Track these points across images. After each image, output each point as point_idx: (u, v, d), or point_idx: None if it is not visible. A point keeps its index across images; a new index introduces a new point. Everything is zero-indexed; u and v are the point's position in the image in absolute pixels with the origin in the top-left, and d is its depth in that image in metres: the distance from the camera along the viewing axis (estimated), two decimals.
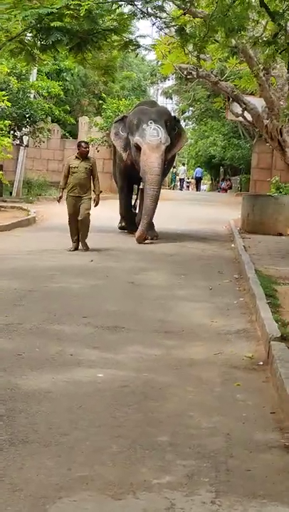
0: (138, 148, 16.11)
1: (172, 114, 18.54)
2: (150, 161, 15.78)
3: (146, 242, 15.60)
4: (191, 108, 47.43)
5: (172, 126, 17.05)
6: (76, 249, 13.67)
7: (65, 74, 36.83)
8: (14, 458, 4.37)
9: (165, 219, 19.77)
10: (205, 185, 73.50)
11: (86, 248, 13.72)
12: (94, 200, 13.89)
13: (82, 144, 14.42)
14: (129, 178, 17.55)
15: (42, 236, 15.92)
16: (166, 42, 21.99)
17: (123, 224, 18.14)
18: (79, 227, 13.75)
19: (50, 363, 6.38)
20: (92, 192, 13.92)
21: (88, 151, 14.33)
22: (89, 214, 13.75)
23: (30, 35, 15.64)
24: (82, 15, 14.56)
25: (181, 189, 58.05)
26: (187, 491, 4.07)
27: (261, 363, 6.68)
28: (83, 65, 16.80)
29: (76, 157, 14.10)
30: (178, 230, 18.51)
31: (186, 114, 49.76)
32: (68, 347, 6.93)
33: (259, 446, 4.76)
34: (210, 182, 75.03)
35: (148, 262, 12.74)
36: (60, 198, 14.23)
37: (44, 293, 9.45)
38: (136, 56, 19.41)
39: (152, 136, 15.92)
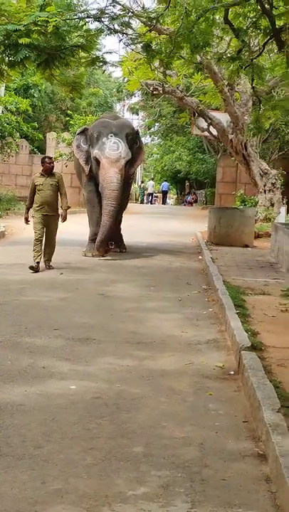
0: (98, 161, 15.11)
1: (134, 128, 17.05)
2: (108, 176, 14.71)
3: (106, 257, 14.78)
4: (156, 124, 47.47)
5: (134, 139, 15.93)
6: (38, 270, 12.32)
7: (32, 90, 36.73)
8: None
9: (132, 232, 19.72)
10: (171, 199, 73.58)
11: (49, 267, 12.78)
12: (61, 216, 13.09)
13: (46, 159, 13.50)
14: (92, 192, 15.88)
15: (11, 250, 15.72)
16: (132, 58, 22.08)
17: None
18: (44, 248, 12.85)
19: (22, 376, 6.27)
20: (60, 208, 13.13)
21: (53, 166, 13.46)
22: (55, 235, 13.17)
23: None
24: (49, 31, 14.54)
25: (150, 203, 58.20)
26: (163, 501, 4.00)
27: (232, 373, 6.62)
28: (51, 81, 16.65)
29: (41, 174, 13.24)
30: (144, 243, 18.38)
31: (152, 130, 49.75)
32: (40, 359, 6.82)
33: (233, 456, 4.70)
34: (176, 196, 75.12)
35: (117, 274, 12.65)
36: (27, 218, 13.29)
37: (14, 306, 9.31)
38: (103, 72, 19.34)
39: (112, 150, 14.91)
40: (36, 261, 12.37)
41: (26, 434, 4.92)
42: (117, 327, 8.40)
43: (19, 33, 14.74)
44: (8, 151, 29.27)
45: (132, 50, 18.38)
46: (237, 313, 8.51)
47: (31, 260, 12.37)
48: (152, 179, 66.81)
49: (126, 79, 28.23)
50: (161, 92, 22.98)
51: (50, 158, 13.90)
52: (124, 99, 45.80)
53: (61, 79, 16.56)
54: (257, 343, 7.04)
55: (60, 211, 13.12)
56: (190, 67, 20.62)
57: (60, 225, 13.43)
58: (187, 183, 61.41)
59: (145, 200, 59.01)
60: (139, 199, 58.70)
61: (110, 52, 18.16)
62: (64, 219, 13.10)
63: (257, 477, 4.39)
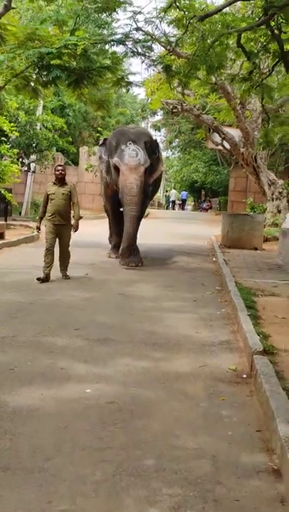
0: (117, 169, 13.28)
1: (153, 137, 14.92)
2: (129, 182, 12.88)
3: (130, 266, 12.71)
4: (176, 139, 46.71)
5: (153, 149, 13.94)
6: (47, 279, 10.52)
7: (67, 110, 36.18)
8: None
9: (155, 235, 19.00)
10: (189, 205, 72.95)
11: (66, 277, 10.99)
12: (73, 227, 11.08)
13: (58, 167, 11.44)
14: (115, 202, 13.86)
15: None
16: (154, 80, 21.37)
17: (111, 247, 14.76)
18: (59, 259, 11.09)
19: (40, 378, 5.55)
20: (72, 218, 11.17)
21: (64, 174, 11.26)
22: (68, 245, 11.23)
23: (33, 72, 14.96)
24: (78, 54, 13.92)
25: (173, 209, 58.88)
26: None
27: (245, 376, 5.86)
28: (80, 99, 16.00)
29: (54, 183, 11.28)
30: (165, 245, 17.62)
31: (173, 144, 49.05)
32: (59, 360, 6.10)
33: (247, 471, 3.95)
34: (193, 203, 74.46)
35: (138, 275, 11.88)
36: (38, 228, 11.73)
37: (41, 305, 8.59)
38: (127, 92, 18.55)
39: (131, 157, 13.07)
40: (45, 272, 10.60)
41: (37, 443, 4.20)
42: (135, 327, 7.66)
43: (52, 56, 14.13)
44: (46, 163, 28.66)
45: (154, 70, 17.56)
46: (248, 314, 7.74)
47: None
48: (174, 188, 66.25)
49: (149, 99, 27.47)
50: (180, 110, 22.23)
51: (62, 165, 11.81)
52: (147, 118, 45.00)
53: (90, 97, 15.92)
54: (269, 347, 6.27)
55: (72, 221, 11.18)
56: (206, 88, 19.76)
57: (85, 227, 12.45)
58: (203, 192, 60.74)
59: (170, 206, 59.78)
60: (165, 206, 60.12)
61: (134, 74, 17.46)
62: (76, 229, 11.12)
63: (272, 497, 3.64)
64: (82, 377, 5.64)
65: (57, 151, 32.52)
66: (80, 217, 11.30)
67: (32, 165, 28.76)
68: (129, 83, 16.11)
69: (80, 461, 3.98)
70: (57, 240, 11.12)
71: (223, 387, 5.55)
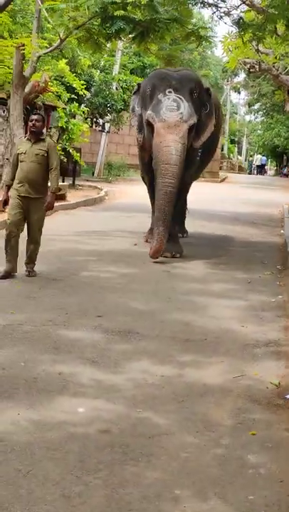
0: (151, 126, 9.39)
1: (203, 84, 10.49)
2: (165, 145, 9.08)
3: (167, 257, 9.23)
4: (258, 103, 44.47)
5: (202, 100, 9.89)
6: (9, 274, 7.34)
7: (148, 70, 34.57)
8: None
9: (221, 201, 17.45)
10: (271, 170, 70.56)
11: (31, 273, 7.51)
12: (46, 203, 7.48)
13: (34, 117, 7.59)
14: (153, 171, 9.69)
15: (100, 216, 13.75)
16: (232, 37, 19.60)
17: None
18: (26, 246, 7.56)
19: (27, 388, 4.27)
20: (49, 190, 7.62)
21: (41, 126, 7.59)
22: (41, 230, 7.66)
23: (96, 23, 13.57)
24: (143, 3, 12.42)
25: (257, 174, 56.05)
26: None
27: (288, 397, 4.43)
28: (146, 54, 14.54)
29: (27, 138, 7.66)
30: (229, 213, 15.97)
31: (254, 108, 46.83)
32: (61, 361, 4.81)
33: None
34: (275, 168, 71.94)
35: (191, 247, 10.33)
36: (6, 200, 7.60)
37: (68, 284, 7.27)
38: (197, 46, 16.77)
39: (170, 110, 9.18)
40: (5, 268, 7.35)
41: None
42: (169, 316, 6.29)
43: (115, 6, 12.70)
44: (120, 124, 27.37)
45: (225, 23, 15.81)
46: None
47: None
48: (261, 154, 63.70)
49: (226, 58, 25.61)
50: (257, 70, 20.36)
51: (39, 113, 7.97)
52: (228, 79, 42.87)
53: (157, 52, 14.42)
54: None
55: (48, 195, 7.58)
56: (285, 46, 17.89)
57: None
58: (285, 157, 58.36)
59: (255, 172, 57.20)
60: (247, 171, 58.36)
61: (205, 28, 15.73)
62: (49, 207, 7.55)
63: None
64: (80, 388, 4.34)
65: None
66: (59, 190, 7.94)
67: (106, 125, 27.45)
68: (200, 37, 14.51)
69: None
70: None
71: (257, 413, 4.15)
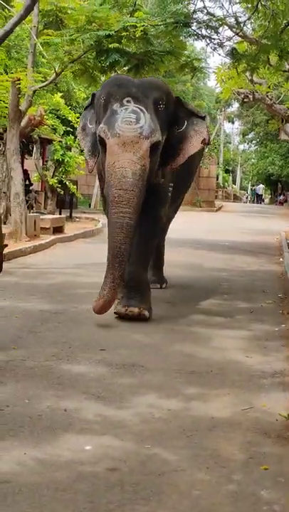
0: (103, 143, 7.08)
1: (171, 93, 7.89)
2: (118, 167, 6.82)
3: (131, 315, 7.20)
4: (252, 132, 44.87)
5: (173, 114, 7.60)
6: None
7: None
8: None
9: (218, 230, 17.45)
10: (266, 199, 71.23)
11: None
12: None
13: None
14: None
15: (99, 248, 13.57)
16: (225, 68, 19.80)
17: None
18: None
19: (32, 425, 4.18)
20: None
21: None
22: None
23: (91, 57, 13.68)
24: (137, 36, 12.53)
25: (258, 203, 57.97)
26: None
27: None
28: None
29: None
30: (226, 243, 15.98)
31: (248, 137, 47.25)
32: (65, 397, 4.72)
33: None
34: (269, 196, 72.48)
35: (193, 278, 10.34)
36: None
37: (69, 317, 7.21)
38: (192, 78, 16.91)
39: (127, 124, 6.91)
40: None
41: None
42: (173, 348, 6.21)
43: (110, 40, 12.82)
44: None
45: (219, 54, 15.96)
46: None
47: None
48: (261, 183, 64.31)
49: (219, 88, 25.86)
50: (251, 99, 20.54)
51: None
52: (222, 109, 43.24)
53: None
54: None
55: None
56: (278, 76, 18.09)
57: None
58: (279, 185, 58.77)
59: (256, 201, 59.47)
60: (250, 200, 61.35)
61: (199, 59, 15.89)
62: None
63: None
64: (86, 425, 4.25)
65: None
66: (5, 245, 6.58)
67: None
68: (195, 69, 14.62)
69: None
70: None
71: (267, 446, 4.06)
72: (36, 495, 3.31)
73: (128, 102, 7.08)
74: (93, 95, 7.88)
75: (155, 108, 7.22)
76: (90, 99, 8.14)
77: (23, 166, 15.22)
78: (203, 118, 7.83)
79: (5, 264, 7.48)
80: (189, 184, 9.88)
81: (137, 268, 7.34)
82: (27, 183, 18.60)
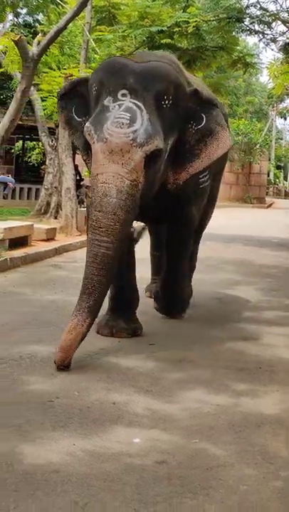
0: (89, 146, 5.60)
1: (181, 83, 5.76)
2: (101, 181, 5.27)
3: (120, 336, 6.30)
4: None
5: (185, 110, 5.74)
6: None
7: None
8: None
9: (267, 227, 17.33)
10: None
11: None
12: None
13: None
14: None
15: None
16: (278, 63, 19.67)
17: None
18: None
19: (81, 417, 4.24)
20: None
21: None
22: None
23: None
24: (189, 32, 12.55)
25: None
26: None
27: None
28: None
29: None
30: (276, 239, 15.85)
31: None
32: (115, 390, 4.77)
33: None
34: None
35: (242, 274, 10.31)
36: None
37: None
38: (244, 73, 16.83)
39: (117, 126, 5.22)
40: None
41: None
42: (223, 345, 6.21)
43: (162, 35, 12.87)
44: None
45: (272, 49, 15.83)
46: None
47: None
48: None
49: (271, 84, 25.65)
50: None
51: None
52: (274, 105, 42.86)
53: (203, 80, 14.51)
54: None
55: None
56: None
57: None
58: None
59: None
60: None
61: (251, 55, 15.80)
62: None
63: None
64: (135, 418, 4.29)
65: None
66: None
67: None
68: (247, 64, 14.57)
69: None
70: None
71: None
72: (85, 485, 3.36)
73: (123, 95, 5.41)
74: (77, 82, 6.25)
75: (158, 105, 5.48)
76: (67, 85, 6.48)
77: (74, 161, 15.33)
78: (216, 106, 6.08)
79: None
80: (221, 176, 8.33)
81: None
82: (78, 178, 18.76)
